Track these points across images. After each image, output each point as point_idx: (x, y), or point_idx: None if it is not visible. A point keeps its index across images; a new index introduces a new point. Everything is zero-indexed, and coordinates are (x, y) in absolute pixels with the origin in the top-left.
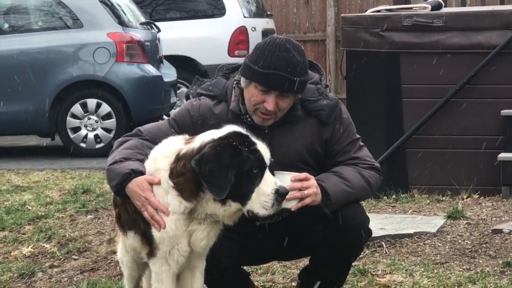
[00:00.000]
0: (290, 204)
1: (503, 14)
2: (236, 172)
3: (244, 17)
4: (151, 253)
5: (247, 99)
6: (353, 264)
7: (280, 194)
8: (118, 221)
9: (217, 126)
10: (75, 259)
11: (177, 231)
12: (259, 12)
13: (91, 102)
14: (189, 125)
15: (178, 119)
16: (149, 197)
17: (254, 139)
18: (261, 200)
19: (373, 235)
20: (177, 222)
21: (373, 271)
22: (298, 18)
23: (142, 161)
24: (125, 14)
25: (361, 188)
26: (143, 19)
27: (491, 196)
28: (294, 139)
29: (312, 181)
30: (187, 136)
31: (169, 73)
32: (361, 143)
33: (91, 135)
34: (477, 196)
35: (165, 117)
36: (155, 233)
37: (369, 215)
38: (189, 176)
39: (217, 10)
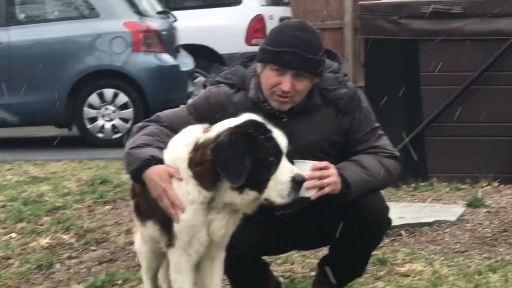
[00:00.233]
0: (310, 193)
1: None
2: (252, 159)
3: (261, 5)
4: (170, 243)
5: (263, 84)
6: (372, 253)
7: (297, 182)
8: (136, 210)
9: (236, 114)
10: (93, 250)
11: (196, 221)
12: (276, 0)
13: (108, 92)
14: (208, 113)
15: (197, 106)
16: (167, 189)
17: (270, 126)
18: (277, 188)
19: (393, 224)
20: (197, 212)
21: (393, 260)
22: (315, 6)
23: (161, 149)
24: (141, 3)
25: (381, 177)
26: (159, 8)
27: (511, 184)
28: (313, 128)
29: (332, 169)
30: (206, 125)
31: (186, 62)
32: (381, 132)
33: (108, 125)
34: (497, 184)
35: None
36: (175, 223)
37: (388, 203)
38: (207, 165)
39: None
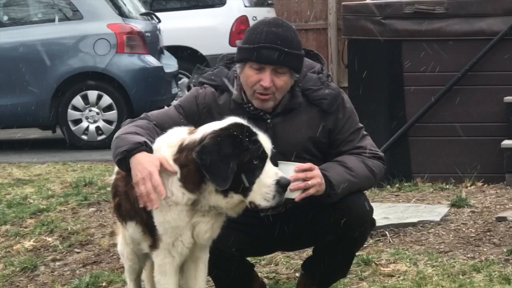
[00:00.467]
0: (294, 195)
1: (505, 0)
2: (237, 162)
3: (245, 6)
4: (154, 245)
5: (244, 84)
6: (356, 254)
7: (281, 185)
8: (117, 211)
9: (221, 116)
10: (78, 252)
11: (180, 222)
12: (260, 1)
13: (92, 94)
14: (195, 113)
15: (184, 106)
16: (153, 174)
17: (255, 130)
18: (262, 192)
19: (377, 224)
20: (180, 213)
21: (377, 261)
22: (299, 6)
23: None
24: (125, 5)
25: (365, 178)
26: (143, 10)
27: (495, 184)
28: (297, 129)
29: (316, 171)
30: (191, 127)
31: (170, 64)
32: (365, 132)
33: (92, 127)
34: (480, 184)
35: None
36: (158, 223)
37: (373, 204)
38: (192, 168)
39: None
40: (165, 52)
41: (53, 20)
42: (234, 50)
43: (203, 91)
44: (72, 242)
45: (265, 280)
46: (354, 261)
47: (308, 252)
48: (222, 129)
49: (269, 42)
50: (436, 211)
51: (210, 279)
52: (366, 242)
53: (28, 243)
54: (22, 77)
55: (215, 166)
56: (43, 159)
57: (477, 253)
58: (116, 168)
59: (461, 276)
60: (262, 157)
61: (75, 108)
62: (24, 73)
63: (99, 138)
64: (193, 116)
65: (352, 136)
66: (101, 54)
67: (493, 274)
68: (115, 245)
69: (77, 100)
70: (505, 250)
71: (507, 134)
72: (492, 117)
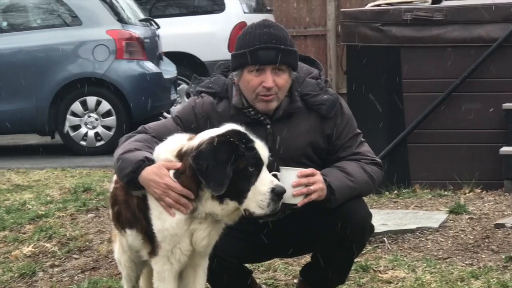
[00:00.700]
0: (297, 200)
1: (503, 7)
2: (233, 169)
3: (244, 12)
4: (153, 252)
5: (245, 90)
6: (355, 260)
7: (276, 193)
8: (117, 219)
9: (220, 123)
10: (76, 258)
11: (178, 230)
12: (259, 8)
13: (91, 100)
14: (193, 123)
15: (182, 117)
16: (170, 183)
17: (252, 137)
18: (257, 199)
19: (375, 230)
20: (179, 221)
21: (375, 267)
22: (298, 13)
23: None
24: (124, 11)
25: (365, 183)
26: (142, 16)
27: (493, 190)
28: (296, 134)
29: (318, 176)
30: (191, 134)
31: (169, 70)
32: (362, 139)
33: (91, 133)
34: (479, 191)
35: (166, 114)
36: (157, 231)
37: (371, 210)
38: (190, 174)
39: (216, 6)
40: (164, 58)
41: (52, 26)
42: None
43: (200, 101)
44: (71, 248)
45: (264, 286)
46: (352, 268)
47: (306, 258)
48: (219, 135)
49: (265, 43)
50: (434, 217)
51: (209, 285)
52: (364, 249)
53: (27, 249)
54: (21, 83)
55: (211, 171)
56: (42, 165)
57: (476, 260)
58: (115, 177)
59: (459, 283)
60: (258, 164)
61: (74, 114)
62: (23, 79)
63: (98, 144)
64: (191, 126)
65: (350, 142)
66: (100, 60)
67: (491, 280)
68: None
69: (76, 106)
70: (503, 256)
71: (506, 140)
72: (491, 124)
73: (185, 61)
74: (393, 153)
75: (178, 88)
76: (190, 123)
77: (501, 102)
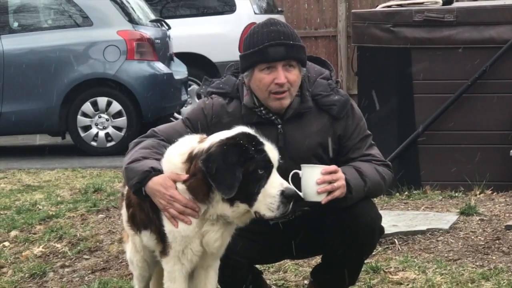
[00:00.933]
0: (321, 198)
1: None
2: (242, 171)
3: (255, 13)
4: (164, 252)
5: (257, 89)
6: (365, 261)
7: (286, 196)
8: (132, 221)
9: (231, 124)
10: (86, 259)
11: (189, 232)
12: (270, 9)
13: (102, 101)
14: (204, 124)
15: (192, 119)
16: (175, 195)
17: (262, 139)
18: (267, 202)
19: (386, 232)
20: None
21: (386, 268)
22: (309, 14)
23: (159, 160)
24: (135, 12)
25: (377, 184)
26: (153, 17)
27: (504, 192)
28: (307, 134)
29: (340, 173)
30: (203, 135)
31: (179, 71)
32: (372, 141)
33: (102, 133)
34: (490, 192)
35: (177, 115)
36: (168, 231)
37: (382, 212)
38: (200, 177)
39: (227, 6)
40: (175, 58)
41: (63, 27)
42: None
43: (210, 102)
44: (81, 248)
45: (274, 287)
46: (362, 269)
47: (317, 259)
48: (228, 138)
49: (274, 40)
50: (445, 219)
51: (219, 286)
52: (374, 250)
53: (37, 249)
54: (32, 84)
55: (221, 174)
56: (53, 165)
57: (486, 261)
58: None
59: (470, 284)
60: (268, 167)
61: (84, 115)
62: (34, 79)
63: (109, 144)
64: (201, 127)
65: (361, 143)
66: (111, 60)
67: (502, 282)
68: (124, 251)
69: (87, 107)
70: None
71: None
72: (502, 125)
73: (195, 62)
74: (403, 154)
75: (188, 89)
76: (200, 125)
77: None
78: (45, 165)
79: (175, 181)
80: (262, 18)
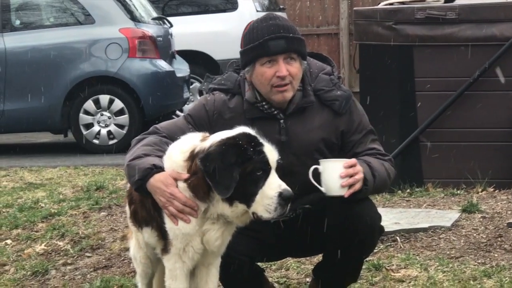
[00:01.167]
0: (343, 191)
1: None
2: (240, 172)
3: (257, 11)
4: (165, 249)
5: (259, 83)
6: (367, 259)
7: (284, 198)
8: (133, 217)
9: (233, 119)
10: (89, 257)
11: (190, 230)
12: (272, 6)
13: (104, 98)
14: (205, 120)
15: (194, 115)
16: (175, 193)
17: (262, 140)
18: (264, 203)
19: (388, 229)
20: (191, 221)
21: (388, 266)
22: (311, 11)
23: (161, 157)
24: (137, 10)
25: (384, 179)
26: (155, 14)
27: (506, 189)
28: (310, 129)
29: (359, 166)
30: (206, 134)
31: (181, 68)
32: (375, 136)
33: (104, 131)
34: (492, 190)
35: (178, 113)
36: (169, 229)
37: (383, 209)
38: (201, 175)
39: (229, 4)
40: (177, 56)
41: (65, 25)
42: None
43: (212, 98)
44: (83, 246)
45: (276, 285)
46: (364, 266)
47: (319, 257)
48: (228, 138)
49: (274, 33)
50: (447, 216)
51: (220, 284)
52: (376, 247)
53: (39, 247)
54: (34, 81)
55: (218, 173)
56: (55, 163)
57: (488, 259)
58: None
59: (472, 282)
60: (266, 168)
61: (87, 112)
62: (36, 77)
63: (111, 142)
64: (203, 124)
65: (365, 137)
66: (113, 58)
67: (504, 280)
68: (126, 249)
69: (89, 104)
70: None
71: None
72: (504, 123)
73: (197, 60)
74: (406, 152)
75: (191, 87)
76: (201, 121)
77: None
78: (47, 163)
79: (176, 180)
80: None
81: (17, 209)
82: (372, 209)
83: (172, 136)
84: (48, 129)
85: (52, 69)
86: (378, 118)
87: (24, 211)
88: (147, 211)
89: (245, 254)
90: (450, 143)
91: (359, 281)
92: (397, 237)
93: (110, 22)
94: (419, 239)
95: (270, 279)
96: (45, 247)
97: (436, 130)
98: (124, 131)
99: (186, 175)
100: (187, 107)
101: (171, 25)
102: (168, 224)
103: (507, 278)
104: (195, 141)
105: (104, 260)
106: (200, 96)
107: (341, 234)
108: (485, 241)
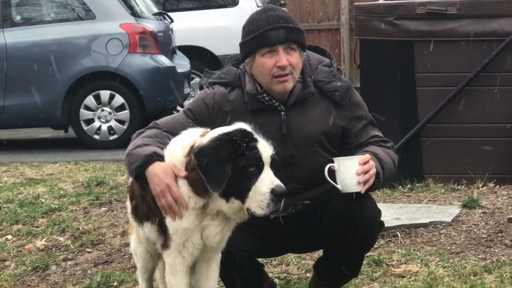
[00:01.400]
0: (360, 187)
1: None
2: (233, 167)
3: (258, 6)
4: (165, 244)
5: (260, 74)
6: (368, 254)
7: (276, 194)
8: (134, 212)
9: (233, 112)
10: (89, 252)
11: (189, 224)
12: (273, 1)
13: (104, 94)
14: (205, 114)
15: (194, 109)
16: (172, 186)
17: (257, 136)
18: (257, 199)
19: (388, 225)
20: (190, 216)
21: (388, 261)
22: (311, 7)
23: (162, 149)
24: (137, 5)
25: (391, 170)
26: (155, 10)
27: (506, 185)
28: (311, 121)
29: (372, 161)
30: (206, 129)
31: (182, 64)
32: (375, 124)
33: (104, 127)
34: (492, 185)
35: (179, 108)
36: (169, 223)
37: (384, 205)
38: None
39: None
40: (178, 52)
41: (66, 20)
42: None
43: (211, 92)
44: (84, 241)
45: (276, 280)
46: (365, 262)
47: (319, 252)
48: (223, 133)
49: (273, 23)
50: (447, 212)
51: (220, 279)
52: (377, 243)
53: (40, 243)
54: (34, 77)
55: (211, 168)
56: (55, 158)
57: (489, 254)
58: None
59: (472, 277)
60: (259, 164)
61: (87, 108)
62: (37, 72)
63: (111, 137)
64: (203, 118)
65: (367, 127)
66: (114, 54)
67: (504, 275)
68: (126, 244)
69: (90, 100)
70: None
71: None
72: (504, 118)
73: (198, 55)
74: (406, 147)
75: (191, 82)
76: (201, 115)
77: None
78: (47, 159)
79: (175, 175)
80: None
81: (17, 204)
82: (372, 205)
83: (172, 131)
84: (49, 125)
85: (52, 64)
86: (379, 113)
87: (24, 207)
88: (147, 205)
89: (245, 250)
90: (450, 139)
91: (359, 277)
92: (398, 233)
93: (110, 18)
94: (420, 234)
95: (270, 275)
96: (46, 243)
97: (436, 125)
98: (125, 127)
99: (184, 173)
100: (188, 102)
101: (172, 21)
102: (168, 218)
103: (507, 273)
104: (195, 136)
105: (104, 256)
106: (200, 91)
107: (342, 229)
108: (485, 236)
